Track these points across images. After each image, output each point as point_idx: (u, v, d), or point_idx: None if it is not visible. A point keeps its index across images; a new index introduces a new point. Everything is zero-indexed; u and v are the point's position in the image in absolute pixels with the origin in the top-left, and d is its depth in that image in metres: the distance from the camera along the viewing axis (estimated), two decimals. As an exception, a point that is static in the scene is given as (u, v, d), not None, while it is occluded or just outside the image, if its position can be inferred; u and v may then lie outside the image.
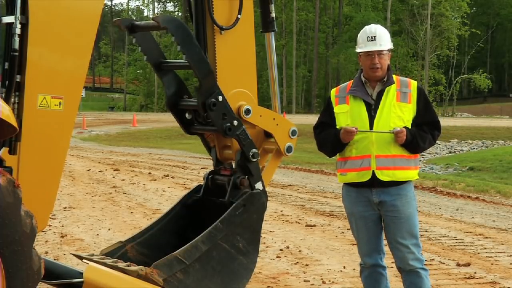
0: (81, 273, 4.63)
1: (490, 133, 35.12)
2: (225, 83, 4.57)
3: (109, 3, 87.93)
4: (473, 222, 9.81)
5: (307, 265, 7.14)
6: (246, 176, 4.62)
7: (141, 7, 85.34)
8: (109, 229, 9.01)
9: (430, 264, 6.98)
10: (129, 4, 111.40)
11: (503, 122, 42.65)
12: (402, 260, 4.76)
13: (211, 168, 4.95)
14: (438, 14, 61.05)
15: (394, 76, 4.77)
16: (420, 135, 4.68)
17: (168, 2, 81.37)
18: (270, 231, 8.83)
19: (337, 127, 4.74)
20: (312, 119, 42.13)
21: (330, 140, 4.76)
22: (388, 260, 5.01)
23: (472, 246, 8.15)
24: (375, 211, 4.74)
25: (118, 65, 78.21)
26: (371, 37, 4.69)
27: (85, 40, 4.24)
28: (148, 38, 4.77)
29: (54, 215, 9.71)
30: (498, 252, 7.84)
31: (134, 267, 4.19)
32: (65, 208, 10.63)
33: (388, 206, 4.69)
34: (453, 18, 62.03)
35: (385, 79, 4.71)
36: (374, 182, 4.65)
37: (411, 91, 4.72)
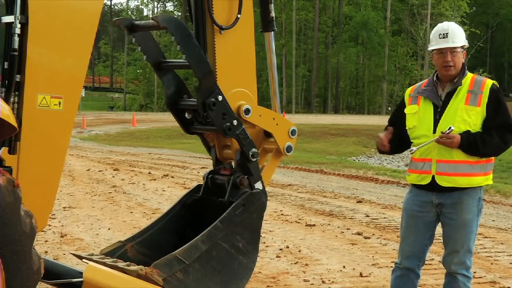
0: (81, 273, 4.62)
1: (489, 132, 35.09)
2: (225, 82, 4.56)
3: (108, 2, 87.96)
4: (473, 221, 9.80)
5: (306, 264, 7.13)
6: (246, 176, 4.61)
7: (140, 6, 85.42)
8: (108, 229, 9.01)
9: (430, 264, 6.98)
10: (129, 3, 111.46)
11: (503, 121, 42.61)
12: (446, 260, 4.69)
13: (211, 167, 4.95)
14: (437, 14, 61.11)
15: (470, 75, 4.59)
16: (483, 139, 4.43)
17: (167, 2, 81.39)
18: (270, 231, 8.83)
19: (406, 128, 4.67)
20: (311, 118, 42.18)
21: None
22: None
23: (471, 245, 8.15)
24: (430, 213, 4.62)
25: (118, 65, 78.26)
26: (444, 34, 4.52)
27: (85, 40, 4.24)
28: (148, 38, 4.76)
29: (54, 214, 9.71)
30: (498, 252, 7.85)
31: (134, 267, 4.19)
32: (64, 207, 10.63)
33: (447, 208, 4.56)
34: (452, 17, 62.02)
35: (455, 80, 4.54)
36: (434, 186, 4.53)
37: (482, 93, 4.48)
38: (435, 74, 4.65)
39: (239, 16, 4.60)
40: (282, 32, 63.08)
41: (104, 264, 4.41)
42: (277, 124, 4.78)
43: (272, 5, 4.93)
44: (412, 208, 4.70)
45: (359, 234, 8.71)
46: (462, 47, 4.57)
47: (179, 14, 68.00)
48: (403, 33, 65.28)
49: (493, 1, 77.69)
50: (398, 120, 4.78)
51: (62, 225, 9.23)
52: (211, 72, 4.48)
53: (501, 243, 8.33)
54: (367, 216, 10.11)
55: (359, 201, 11.59)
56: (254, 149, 4.61)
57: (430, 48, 4.64)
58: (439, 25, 4.67)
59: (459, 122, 4.46)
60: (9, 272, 3.55)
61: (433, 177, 4.53)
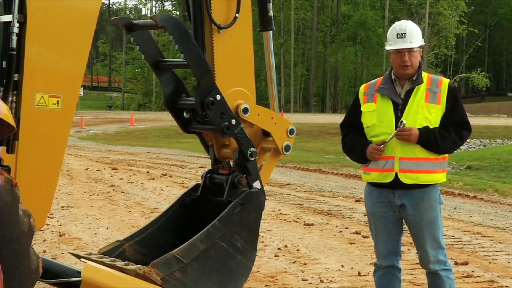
0: (79, 272, 4.62)
1: (488, 132, 35.10)
2: (223, 82, 4.57)
3: (107, 1, 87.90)
4: (471, 221, 9.82)
5: (305, 264, 7.14)
6: (244, 175, 4.62)
7: (139, 5, 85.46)
8: (107, 228, 9.01)
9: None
10: (127, 2, 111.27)
11: (501, 121, 42.67)
12: (422, 261, 4.72)
13: (209, 167, 4.95)
14: (436, 13, 61.12)
15: (425, 74, 4.62)
16: (442, 135, 4.48)
17: (166, 1, 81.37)
18: (268, 230, 8.83)
19: (364, 126, 4.65)
20: (310, 118, 42.16)
21: (356, 151, 4.68)
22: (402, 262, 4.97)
23: (470, 245, 8.16)
24: (395, 212, 4.64)
25: (116, 64, 78.17)
26: (401, 34, 4.52)
27: (83, 39, 4.24)
28: (146, 37, 4.76)
29: (52, 214, 9.71)
30: (496, 251, 7.85)
31: (132, 266, 4.19)
32: (63, 207, 10.63)
33: (410, 210, 4.58)
34: (451, 17, 62.09)
35: (414, 78, 4.56)
36: (396, 184, 4.53)
37: (441, 91, 4.53)
38: (392, 72, 4.65)
39: (237, 15, 4.60)
40: (281, 31, 63.06)
41: (103, 263, 4.41)
42: (275, 123, 4.78)
43: (271, 4, 4.93)
44: (377, 210, 4.71)
45: (357, 233, 8.71)
46: (419, 47, 4.58)
47: (177, 13, 67.95)
48: (402, 33, 65.20)
49: (492, 0, 77.73)
50: (356, 120, 4.73)
51: (60, 225, 9.22)
52: (210, 71, 4.49)
53: (499, 242, 8.33)
54: (366, 215, 10.11)
55: (357, 200, 11.58)
56: (252, 148, 4.61)
57: (387, 48, 4.63)
58: (397, 24, 4.65)
59: (421, 120, 4.50)
60: (7, 272, 3.55)
61: (396, 174, 4.53)
